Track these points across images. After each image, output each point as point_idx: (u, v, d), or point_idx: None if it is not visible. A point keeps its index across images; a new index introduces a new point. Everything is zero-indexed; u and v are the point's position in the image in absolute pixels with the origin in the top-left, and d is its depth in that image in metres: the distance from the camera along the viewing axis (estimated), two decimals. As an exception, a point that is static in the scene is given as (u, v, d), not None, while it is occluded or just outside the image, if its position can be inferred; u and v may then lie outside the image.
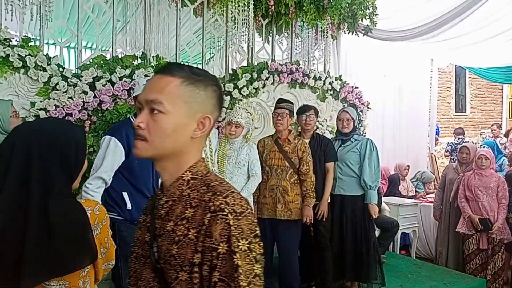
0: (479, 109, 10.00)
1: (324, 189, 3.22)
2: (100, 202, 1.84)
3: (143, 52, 3.42)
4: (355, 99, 4.69)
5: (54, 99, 2.84)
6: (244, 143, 3.00)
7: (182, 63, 3.76)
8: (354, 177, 3.33)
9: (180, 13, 3.64)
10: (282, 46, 4.53)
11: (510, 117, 9.90)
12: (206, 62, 4.00)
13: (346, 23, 4.56)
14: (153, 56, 3.44)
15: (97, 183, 2.20)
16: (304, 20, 4.24)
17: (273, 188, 3.09)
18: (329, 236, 3.31)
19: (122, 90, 3.06)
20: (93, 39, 3.49)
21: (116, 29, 3.39)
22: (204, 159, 0.98)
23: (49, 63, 2.84)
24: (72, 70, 3.02)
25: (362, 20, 4.52)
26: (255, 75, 3.91)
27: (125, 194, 2.22)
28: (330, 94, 4.56)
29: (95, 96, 2.98)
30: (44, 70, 2.82)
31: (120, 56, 3.28)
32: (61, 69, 2.90)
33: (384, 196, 5.12)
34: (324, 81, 4.45)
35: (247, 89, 3.84)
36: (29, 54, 2.75)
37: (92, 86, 2.99)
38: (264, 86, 4.02)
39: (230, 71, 3.94)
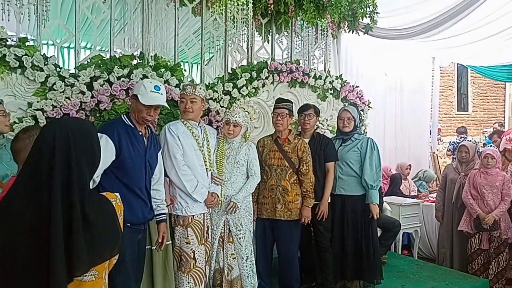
0: (481, 108, 9.95)
1: (324, 189, 3.19)
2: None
3: (141, 52, 3.40)
4: (355, 98, 4.65)
5: (51, 99, 2.81)
6: (243, 142, 2.97)
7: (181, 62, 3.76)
8: (355, 177, 3.30)
9: (178, 13, 3.61)
10: (282, 45, 4.50)
11: (513, 115, 9.85)
12: (205, 62, 3.97)
13: (346, 22, 4.52)
14: (151, 56, 3.42)
15: None
16: (304, 18, 4.20)
17: (273, 188, 3.06)
18: (330, 236, 3.28)
19: (120, 90, 3.04)
20: (92, 39, 3.46)
21: (114, 29, 3.36)
22: None
23: (46, 63, 2.81)
24: (69, 70, 2.99)
25: (362, 19, 4.48)
26: (254, 74, 3.89)
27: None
28: (331, 93, 4.53)
29: (92, 96, 2.95)
30: (41, 70, 2.79)
31: (118, 56, 3.26)
32: (58, 69, 2.87)
33: (385, 195, 5.08)
34: (324, 80, 4.42)
35: (247, 88, 3.82)
36: (26, 54, 2.72)
37: (89, 86, 2.96)
38: (263, 85, 3.99)
39: (230, 71, 3.92)
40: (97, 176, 2.09)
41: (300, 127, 3.44)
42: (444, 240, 4.32)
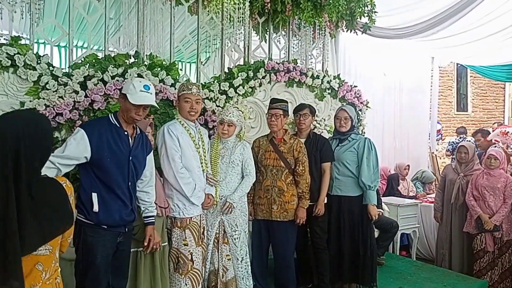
0: (481, 108, 9.92)
1: (320, 190, 3.15)
2: None
3: (136, 51, 3.36)
4: (353, 98, 4.62)
5: (44, 98, 2.78)
6: (238, 142, 2.93)
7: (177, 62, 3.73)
8: (352, 177, 3.25)
9: (174, 11, 3.58)
10: (280, 44, 4.46)
11: (512, 115, 9.82)
12: (202, 62, 3.94)
13: (344, 21, 4.49)
14: (146, 55, 3.39)
15: (48, 164, 1.95)
16: (301, 17, 4.16)
17: (268, 189, 3.03)
18: (326, 237, 3.24)
19: (114, 90, 3.00)
20: (87, 38, 3.42)
21: (109, 28, 3.33)
22: None
23: (38, 62, 2.77)
24: (62, 69, 2.95)
25: (360, 18, 4.45)
26: (251, 74, 3.85)
27: (94, 195, 2.09)
28: (328, 93, 4.49)
29: (86, 96, 2.92)
30: (34, 69, 2.75)
31: (113, 55, 3.22)
32: (51, 68, 2.83)
33: (383, 196, 5.05)
34: (322, 80, 4.39)
35: (243, 88, 3.78)
36: (18, 53, 2.69)
37: (83, 86, 2.93)
38: (260, 85, 3.96)
39: (226, 70, 3.88)
40: (60, 164, 2.03)
41: (296, 126, 3.40)
42: (443, 241, 4.29)
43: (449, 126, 9.11)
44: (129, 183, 2.21)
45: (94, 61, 3.08)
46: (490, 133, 5.44)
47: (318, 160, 3.19)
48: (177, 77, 3.41)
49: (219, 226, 2.87)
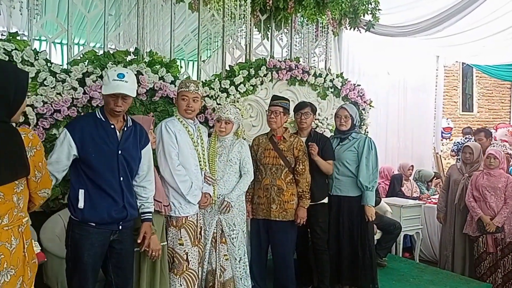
0: (487, 109, 9.81)
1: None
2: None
3: (136, 48, 3.33)
4: (357, 97, 4.56)
5: (41, 95, 2.75)
6: (235, 140, 2.88)
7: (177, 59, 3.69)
8: (352, 177, 3.19)
9: (174, 8, 3.54)
10: (282, 42, 4.42)
11: (519, 116, 9.70)
12: (203, 60, 3.90)
13: (347, 19, 4.43)
14: (146, 52, 3.35)
15: None
16: (303, 15, 4.12)
17: (268, 188, 2.97)
18: (327, 238, 3.19)
19: (113, 86, 2.96)
20: (86, 36, 3.39)
21: (109, 25, 3.30)
22: None
23: (36, 57, 2.75)
24: (60, 65, 2.92)
25: (364, 15, 4.39)
26: (252, 71, 3.81)
27: (81, 192, 2.04)
28: (331, 92, 4.44)
29: (85, 92, 2.89)
30: (32, 65, 2.73)
31: (112, 52, 3.19)
32: (49, 64, 2.81)
33: (386, 197, 4.99)
34: (324, 78, 4.33)
35: (244, 86, 3.74)
36: (16, 49, 2.66)
37: (82, 82, 2.90)
38: (262, 83, 3.91)
39: (227, 68, 3.84)
40: (55, 171, 2.00)
41: (297, 125, 3.35)
42: (446, 243, 4.22)
43: (454, 127, 9.01)
44: (121, 178, 2.11)
45: (93, 57, 3.04)
46: (491, 134, 5.30)
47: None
48: (177, 74, 3.37)
49: (216, 225, 2.82)
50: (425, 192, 5.50)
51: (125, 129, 2.17)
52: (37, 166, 1.61)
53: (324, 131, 4.20)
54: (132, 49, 3.32)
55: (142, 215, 2.29)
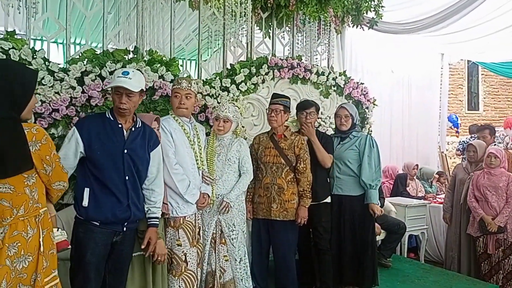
0: (493, 107, 9.71)
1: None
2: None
3: (135, 46, 3.29)
4: (360, 95, 4.50)
5: (40, 94, 2.72)
6: (234, 138, 2.84)
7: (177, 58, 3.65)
8: (353, 176, 3.15)
9: (175, 6, 3.51)
10: (284, 40, 4.37)
11: (525, 114, 9.57)
12: (203, 59, 3.86)
13: (350, 16, 4.38)
14: (146, 51, 3.31)
15: None
16: (305, 13, 4.07)
17: (268, 187, 2.92)
18: (329, 237, 3.13)
19: (112, 85, 2.93)
20: (86, 35, 3.36)
21: (108, 23, 3.26)
22: None
23: (34, 56, 2.72)
24: (59, 64, 2.89)
25: (367, 13, 4.34)
26: (253, 70, 3.76)
27: (86, 190, 2.04)
28: (334, 90, 4.38)
29: (83, 92, 2.86)
30: (29, 64, 2.69)
31: (111, 51, 3.15)
32: (47, 63, 2.78)
33: (390, 196, 4.93)
34: (327, 76, 4.28)
35: (246, 84, 3.69)
36: (13, 48, 2.63)
37: (80, 81, 2.87)
38: (263, 81, 3.87)
39: (228, 66, 3.79)
40: (67, 167, 1.99)
41: (299, 124, 3.29)
42: (452, 243, 4.16)
43: (460, 125, 8.92)
44: (126, 177, 2.10)
45: (92, 56, 3.01)
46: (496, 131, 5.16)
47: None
48: (177, 73, 3.33)
49: (216, 226, 2.78)
50: (429, 190, 5.42)
51: (133, 129, 2.19)
52: (45, 160, 1.66)
53: (327, 130, 4.14)
54: (131, 48, 3.29)
55: (148, 220, 2.27)
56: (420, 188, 5.29)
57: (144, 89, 2.29)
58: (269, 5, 3.87)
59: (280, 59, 3.97)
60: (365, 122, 4.60)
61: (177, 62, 3.45)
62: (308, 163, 2.94)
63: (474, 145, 4.04)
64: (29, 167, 1.60)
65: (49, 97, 2.75)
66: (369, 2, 4.24)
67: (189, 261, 2.51)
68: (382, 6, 4.29)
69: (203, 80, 3.57)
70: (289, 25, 4.29)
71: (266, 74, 3.85)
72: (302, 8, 3.99)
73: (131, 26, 3.52)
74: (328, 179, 3.21)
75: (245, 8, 3.73)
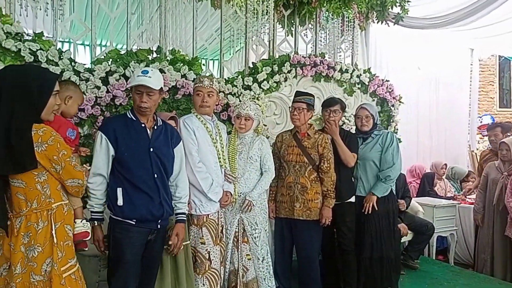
0: (527, 104, 9.29)
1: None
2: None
3: (158, 46, 3.33)
4: (385, 93, 4.40)
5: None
6: (255, 136, 2.81)
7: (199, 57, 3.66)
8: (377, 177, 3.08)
9: (196, 5, 3.52)
10: (307, 38, 4.31)
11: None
12: (225, 58, 3.86)
13: (374, 12, 4.28)
14: (169, 50, 3.34)
15: (96, 180, 2.11)
16: (328, 9, 4.01)
17: (291, 186, 2.88)
18: (354, 238, 3.06)
19: (135, 85, 2.96)
20: (111, 37, 3.42)
21: (132, 23, 3.31)
22: None
23: (61, 57, 2.79)
24: (84, 64, 2.95)
25: (392, 8, 4.23)
26: (276, 68, 3.73)
27: (119, 190, 2.08)
28: (358, 88, 4.29)
29: (108, 91, 2.91)
30: (56, 64, 2.77)
31: (135, 51, 3.20)
32: (73, 64, 2.84)
33: (416, 196, 4.78)
34: (351, 74, 4.20)
35: (268, 83, 3.67)
36: (41, 49, 2.71)
37: (105, 81, 2.92)
38: (286, 79, 3.83)
39: (250, 65, 3.78)
40: (105, 173, 2.10)
41: (324, 122, 3.24)
42: (484, 245, 3.98)
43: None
44: (155, 175, 2.13)
45: (116, 56, 3.06)
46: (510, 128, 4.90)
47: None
48: (200, 72, 3.34)
49: (238, 224, 2.76)
50: (458, 190, 5.23)
51: (155, 127, 2.22)
52: (53, 159, 1.71)
53: (351, 128, 4.06)
54: (154, 48, 3.32)
55: (176, 216, 2.29)
56: (449, 188, 5.12)
57: (163, 88, 2.31)
58: (291, 2, 3.84)
59: (302, 56, 3.93)
60: (391, 120, 4.49)
61: (199, 61, 3.47)
62: (332, 163, 2.88)
63: (507, 143, 3.86)
64: (34, 166, 1.67)
65: (75, 97, 2.80)
66: (394, -3, 4.14)
67: (212, 259, 2.51)
68: (408, 1, 4.18)
69: (225, 79, 3.56)
70: (311, 22, 4.23)
71: (289, 72, 3.82)
72: (325, 4, 3.94)
73: (154, 26, 3.56)
74: (352, 178, 3.14)
75: (267, 6, 3.71)
